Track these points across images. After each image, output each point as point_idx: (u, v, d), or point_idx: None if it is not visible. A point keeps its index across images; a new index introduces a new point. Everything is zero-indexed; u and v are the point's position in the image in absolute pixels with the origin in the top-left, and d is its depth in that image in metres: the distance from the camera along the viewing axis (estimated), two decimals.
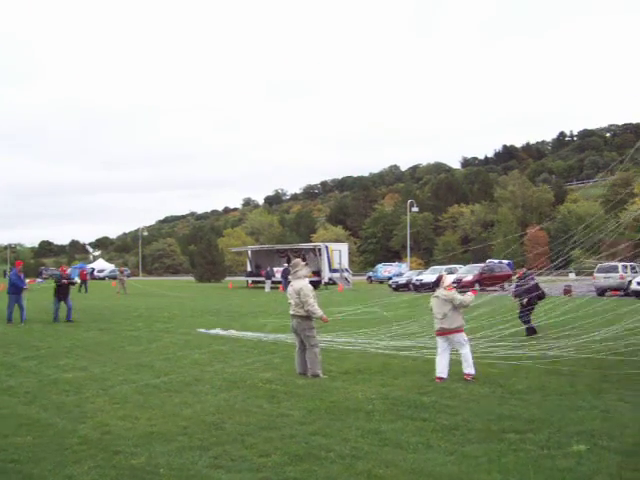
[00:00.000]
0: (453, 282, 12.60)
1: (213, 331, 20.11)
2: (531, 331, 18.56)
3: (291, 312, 12.68)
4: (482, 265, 52.16)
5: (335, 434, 8.10)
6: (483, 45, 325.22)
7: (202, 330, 20.31)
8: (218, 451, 7.44)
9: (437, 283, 12.50)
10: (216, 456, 7.25)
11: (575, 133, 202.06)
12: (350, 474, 6.59)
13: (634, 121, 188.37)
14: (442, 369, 11.96)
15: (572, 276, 69.17)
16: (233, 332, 19.61)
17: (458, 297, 11.97)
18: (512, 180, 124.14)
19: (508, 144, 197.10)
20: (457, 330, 12.00)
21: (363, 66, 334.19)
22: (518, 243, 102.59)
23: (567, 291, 41.06)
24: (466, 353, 11.96)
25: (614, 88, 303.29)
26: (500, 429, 8.24)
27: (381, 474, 6.57)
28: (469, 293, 12.35)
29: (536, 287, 19.12)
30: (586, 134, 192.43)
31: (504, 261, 57.53)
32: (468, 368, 11.88)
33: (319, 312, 12.45)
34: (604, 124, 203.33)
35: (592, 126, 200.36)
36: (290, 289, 12.74)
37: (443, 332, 12.09)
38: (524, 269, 20.85)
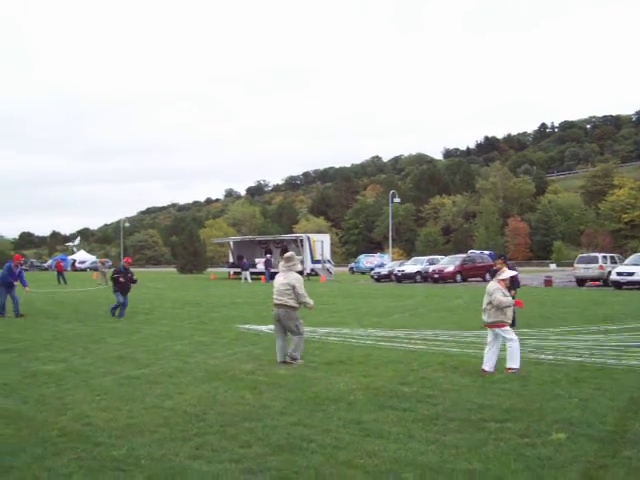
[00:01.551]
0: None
1: (257, 327, 18.87)
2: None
3: (277, 302, 12.81)
4: (464, 256, 52.33)
5: (317, 425, 8.12)
6: (466, 37, 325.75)
7: (245, 326, 19.12)
8: (199, 442, 7.43)
9: (494, 274, 12.18)
10: (197, 447, 7.25)
11: (556, 125, 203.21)
12: (331, 464, 6.61)
13: (614, 113, 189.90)
14: (486, 361, 11.73)
15: (552, 267, 69.60)
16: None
17: (498, 296, 11.53)
18: (493, 171, 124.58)
19: (490, 135, 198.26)
20: (496, 325, 11.69)
21: (347, 57, 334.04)
22: (499, 234, 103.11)
23: (548, 282, 41.38)
24: (511, 346, 11.59)
25: (594, 80, 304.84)
26: (480, 418, 8.29)
27: (362, 464, 6.59)
28: (511, 299, 11.74)
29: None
30: (567, 125, 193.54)
31: (485, 252, 57.82)
32: (510, 362, 11.54)
33: (311, 302, 13.00)
34: (584, 116, 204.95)
35: (573, 117, 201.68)
36: (281, 279, 12.89)
37: (485, 324, 11.97)
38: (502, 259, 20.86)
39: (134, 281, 23.12)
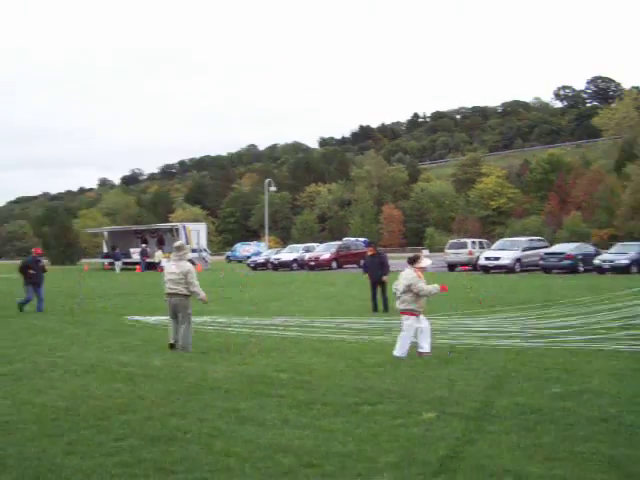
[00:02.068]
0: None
1: (141, 318, 18.40)
2: (374, 307, 19.22)
3: (170, 291, 12.94)
4: (339, 243, 53.11)
5: (193, 414, 8.10)
6: (342, 24, 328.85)
7: (136, 318, 18.51)
8: (72, 437, 7.27)
9: (412, 261, 12.17)
10: (70, 442, 7.09)
11: (428, 115, 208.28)
12: (207, 453, 6.62)
13: (481, 104, 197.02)
14: (422, 345, 11.85)
15: (425, 252, 71.60)
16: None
17: (422, 285, 11.64)
18: (368, 160, 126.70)
19: (364, 124, 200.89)
20: (405, 312, 11.84)
21: (222, 42, 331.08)
22: (374, 221, 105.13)
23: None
24: (403, 337, 11.75)
25: (463, 72, 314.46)
26: (355, 402, 8.50)
27: (238, 452, 6.63)
28: (437, 286, 11.83)
29: (381, 264, 19.59)
30: (438, 116, 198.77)
31: (360, 239, 58.85)
32: (397, 350, 11.68)
33: (203, 293, 13.15)
34: (454, 106, 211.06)
35: (443, 108, 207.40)
36: (173, 268, 12.98)
37: (399, 311, 12.09)
38: (372, 246, 21.40)
39: (44, 270, 22.18)
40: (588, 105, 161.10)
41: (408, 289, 11.72)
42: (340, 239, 64.39)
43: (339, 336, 14.38)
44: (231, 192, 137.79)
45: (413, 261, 12.15)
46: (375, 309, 19.13)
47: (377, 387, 9.33)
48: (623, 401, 8.29)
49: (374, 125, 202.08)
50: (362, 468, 6.10)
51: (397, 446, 6.69)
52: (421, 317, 11.93)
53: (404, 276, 11.96)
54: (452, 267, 42.91)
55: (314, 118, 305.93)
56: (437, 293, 11.95)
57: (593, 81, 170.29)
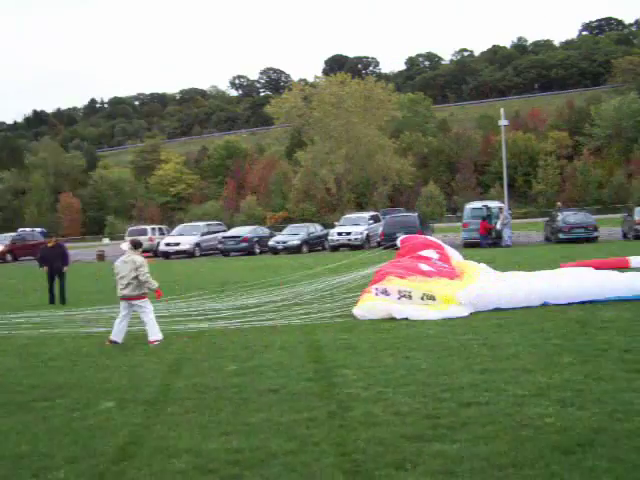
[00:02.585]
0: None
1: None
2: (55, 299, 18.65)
3: None
4: (13, 234, 50.56)
5: None
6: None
7: None
8: None
9: (137, 245, 12.09)
10: None
11: (106, 100, 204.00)
12: None
13: (160, 91, 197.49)
14: (117, 332, 11.72)
15: (106, 241, 70.30)
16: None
17: (146, 268, 11.70)
18: (43, 146, 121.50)
19: (38, 109, 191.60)
20: (139, 297, 11.70)
21: None
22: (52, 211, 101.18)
23: (100, 256, 41.73)
24: (149, 320, 11.68)
25: (142, 58, 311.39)
26: (29, 399, 8.19)
27: None
28: (157, 284, 11.86)
29: (61, 255, 19.02)
30: (116, 102, 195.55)
31: (37, 229, 56.40)
32: (152, 335, 11.60)
33: None
34: (133, 92, 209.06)
35: (122, 94, 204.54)
36: None
37: (123, 297, 11.74)
38: (52, 237, 20.65)
39: None
40: (262, 94, 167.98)
41: (137, 273, 11.69)
42: (15, 230, 61.01)
43: (12, 332, 13.64)
44: None
45: (138, 245, 12.29)
46: (52, 301, 18.47)
47: (53, 381, 9.06)
48: (290, 372, 8.89)
49: (49, 110, 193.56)
50: (38, 467, 5.93)
51: (74, 440, 6.58)
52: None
53: (132, 261, 11.83)
54: None
55: None
56: (152, 290, 11.92)
57: (265, 72, 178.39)
